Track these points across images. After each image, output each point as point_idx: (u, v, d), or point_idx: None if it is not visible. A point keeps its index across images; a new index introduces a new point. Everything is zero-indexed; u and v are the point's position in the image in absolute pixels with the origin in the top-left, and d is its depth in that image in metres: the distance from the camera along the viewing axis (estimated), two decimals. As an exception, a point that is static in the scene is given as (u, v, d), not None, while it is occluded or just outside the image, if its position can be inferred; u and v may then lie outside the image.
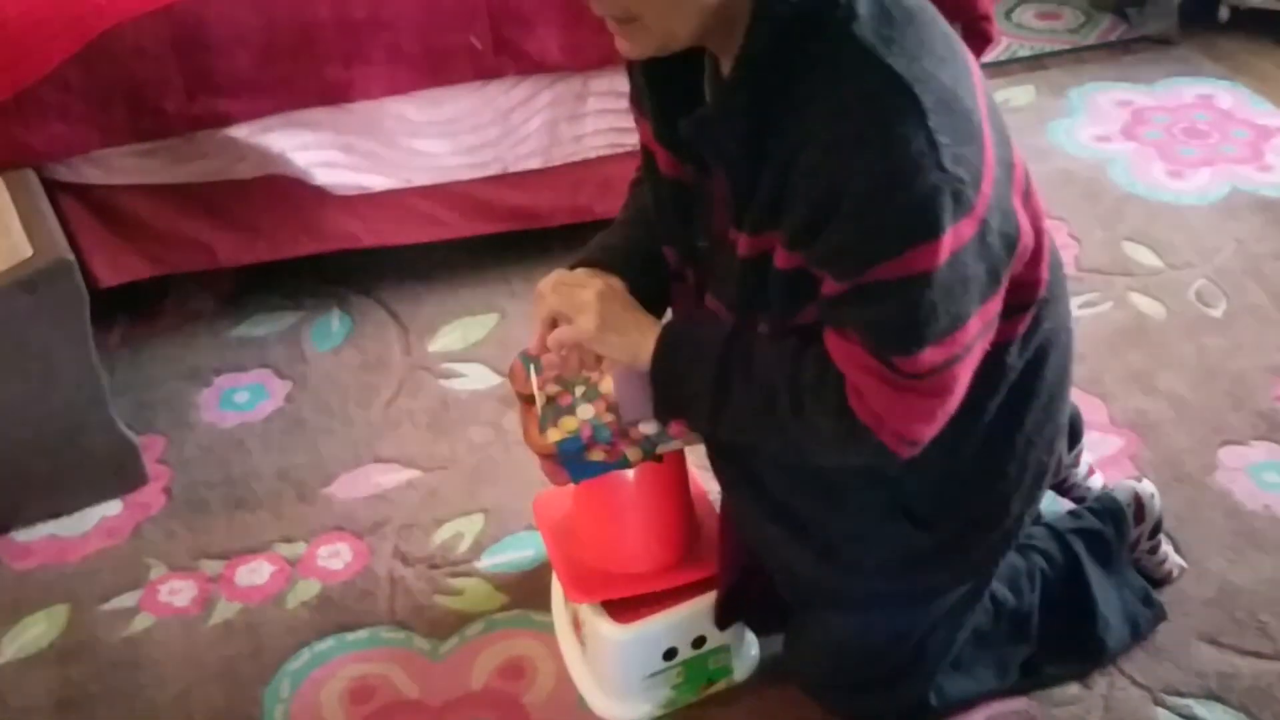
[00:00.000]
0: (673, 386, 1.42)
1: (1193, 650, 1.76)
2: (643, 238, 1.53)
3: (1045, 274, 1.43)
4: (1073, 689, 1.72)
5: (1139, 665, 1.74)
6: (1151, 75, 3.16)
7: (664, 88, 1.38)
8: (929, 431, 1.33)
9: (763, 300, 1.35)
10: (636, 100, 1.49)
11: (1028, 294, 1.41)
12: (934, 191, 1.16)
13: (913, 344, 1.23)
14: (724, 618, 1.67)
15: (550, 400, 1.57)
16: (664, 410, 1.48)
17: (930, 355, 1.24)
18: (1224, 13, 3.32)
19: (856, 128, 1.17)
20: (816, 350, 1.34)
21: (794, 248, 1.27)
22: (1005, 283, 1.30)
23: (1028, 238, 1.34)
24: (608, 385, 1.56)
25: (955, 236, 1.19)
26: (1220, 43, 3.29)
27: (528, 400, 1.60)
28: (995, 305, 1.30)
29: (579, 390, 1.57)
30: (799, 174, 1.22)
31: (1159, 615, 1.78)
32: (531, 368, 1.61)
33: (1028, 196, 1.39)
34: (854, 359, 1.28)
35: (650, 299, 1.48)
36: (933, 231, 1.17)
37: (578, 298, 1.42)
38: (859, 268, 1.21)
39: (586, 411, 1.55)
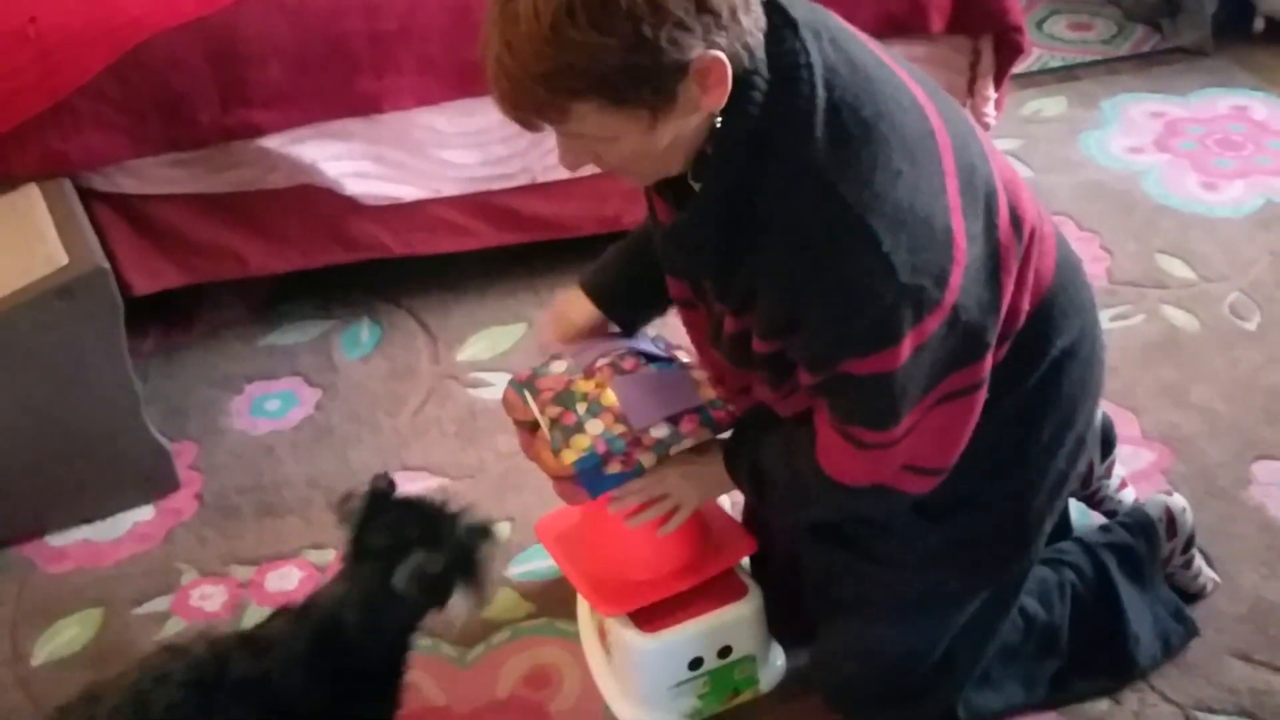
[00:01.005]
0: (745, 491, 1.59)
1: (1225, 666, 1.74)
2: (633, 267, 1.64)
3: (1025, 305, 1.42)
4: (1103, 705, 1.71)
5: (1170, 681, 1.73)
6: (1185, 86, 3.14)
7: None
8: (928, 482, 1.42)
9: (752, 366, 1.41)
10: None
11: (1004, 326, 1.39)
12: (893, 308, 1.23)
13: (888, 421, 1.32)
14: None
15: (555, 421, 1.56)
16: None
17: (905, 423, 1.33)
18: (1259, 24, 3.29)
19: (814, 259, 1.24)
20: (802, 433, 1.43)
21: (766, 341, 1.34)
22: (992, 341, 1.34)
23: (1009, 290, 1.36)
24: (610, 397, 1.55)
25: (918, 334, 1.25)
26: (1254, 54, 3.26)
27: (529, 427, 1.60)
28: (979, 367, 1.34)
29: (580, 407, 1.56)
30: (765, 288, 1.30)
31: (1191, 631, 1.76)
32: (526, 393, 1.60)
33: (1018, 212, 1.37)
34: (827, 423, 1.38)
35: (631, 316, 1.66)
36: (893, 340, 1.24)
37: (675, 498, 1.60)
38: (826, 368, 1.30)
39: (595, 426, 1.54)
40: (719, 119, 1.24)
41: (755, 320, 1.34)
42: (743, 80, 1.22)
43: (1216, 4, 3.26)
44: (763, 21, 1.22)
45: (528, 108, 1.20)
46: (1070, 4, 3.58)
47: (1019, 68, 2.64)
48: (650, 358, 1.62)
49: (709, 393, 1.58)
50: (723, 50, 1.18)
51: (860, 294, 1.23)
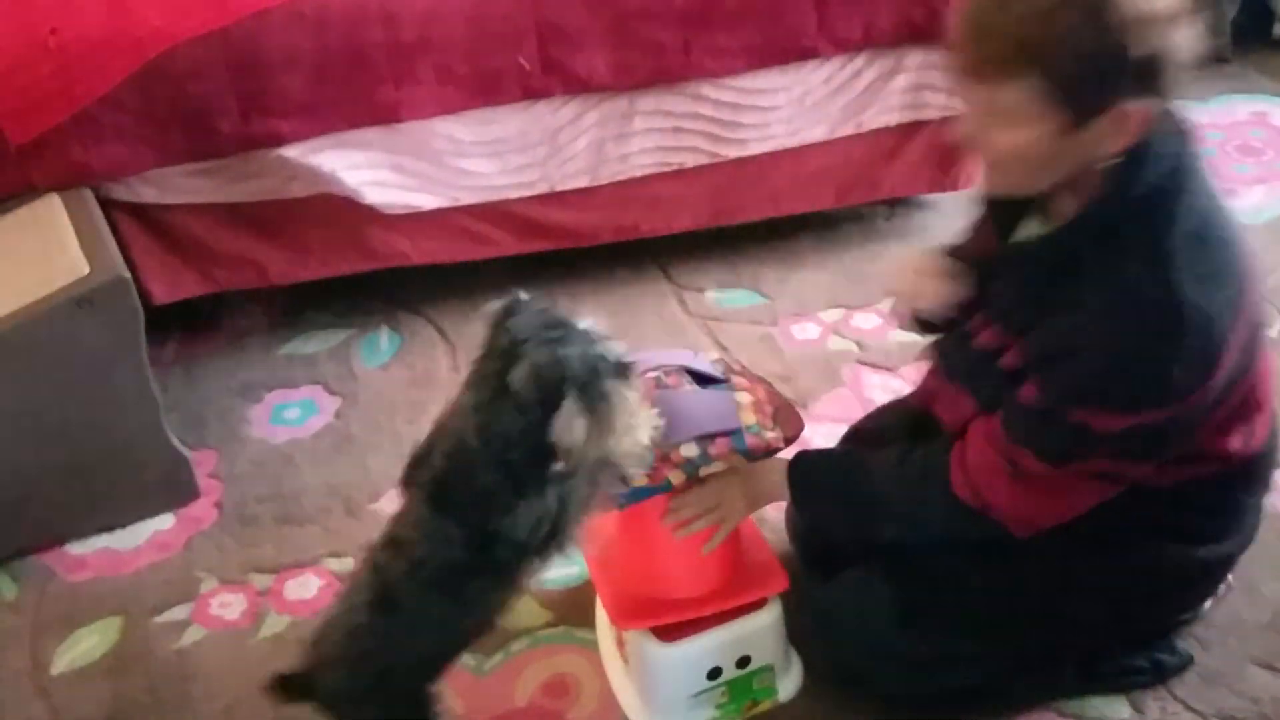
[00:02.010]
0: (810, 504, 1.64)
1: (1247, 675, 1.73)
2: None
3: (1236, 446, 1.53)
4: (1125, 713, 1.70)
5: (1192, 690, 1.72)
6: (1204, 92, 3.12)
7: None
8: (1054, 519, 1.49)
9: (976, 382, 1.51)
10: None
11: (1209, 463, 1.53)
12: (1143, 397, 1.38)
13: (1056, 458, 1.43)
14: None
15: None
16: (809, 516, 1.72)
17: (1052, 472, 1.44)
18: (1278, 29, 3.28)
19: (1122, 324, 1.36)
20: (919, 454, 1.54)
21: (1024, 359, 1.44)
22: (1162, 457, 1.47)
23: (1209, 439, 1.51)
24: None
25: (1140, 418, 1.39)
26: (1274, 59, 3.25)
27: None
28: (1133, 467, 1.46)
29: None
30: (1058, 324, 1.40)
31: (1185, 662, 1.75)
32: None
33: (1259, 390, 1.53)
34: (994, 445, 1.46)
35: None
36: (1128, 410, 1.38)
37: (725, 508, 1.62)
38: (1061, 403, 1.40)
39: None
40: (1109, 165, 1.35)
41: (1027, 343, 1.44)
42: (1146, 144, 1.34)
43: (1236, 9, 3.25)
44: (1176, 114, 1.37)
45: (985, 58, 1.30)
46: (1088, 10, 3.57)
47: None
48: (700, 377, 1.62)
49: (749, 418, 1.58)
50: (1147, 106, 1.30)
51: (1141, 368, 1.36)
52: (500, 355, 1.39)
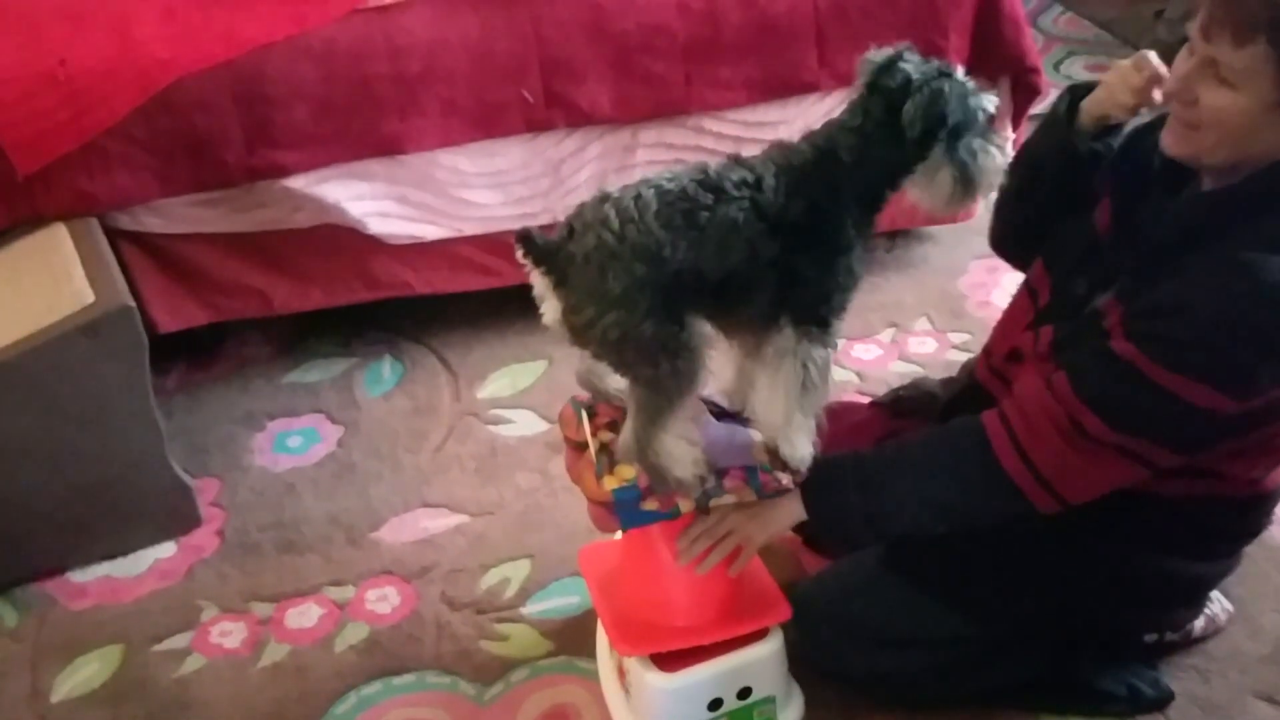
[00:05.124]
0: (828, 513, 1.58)
1: (1249, 708, 1.73)
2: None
3: (1256, 476, 1.57)
4: (1124, 743, 1.70)
5: (1193, 722, 1.72)
6: None
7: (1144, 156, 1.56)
8: (1080, 494, 1.49)
9: (1070, 350, 1.52)
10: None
11: (1226, 484, 1.55)
12: (1229, 380, 1.39)
13: (1115, 419, 1.43)
14: None
15: (604, 447, 1.57)
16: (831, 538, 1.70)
17: (1111, 437, 1.43)
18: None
19: (1237, 298, 1.38)
20: (948, 429, 1.57)
21: (1132, 314, 1.45)
22: (1196, 454, 1.49)
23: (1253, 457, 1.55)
24: None
25: (1211, 400, 1.40)
26: None
27: (578, 446, 1.61)
28: (1166, 455, 1.46)
29: None
30: (1177, 282, 1.42)
31: (1165, 698, 1.75)
32: (583, 413, 1.62)
33: None
34: (1059, 398, 1.46)
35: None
36: (1204, 381, 1.39)
37: (739, 537, 1.60)
38: (1155, 360, 1.40)
39: None
40: None
41: (1140, 299, 1.45)
42: None
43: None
44: None
45: (1230, 17, 1.35)
46: (1087, 45, 3.60)
47: (1036, 109, 2.65)
48: (716, 411, 1.63)
49: (762, 456, 1.58)
50: None
51: (1238, 347, 1.37)
52: (893, 90, 1.45)
